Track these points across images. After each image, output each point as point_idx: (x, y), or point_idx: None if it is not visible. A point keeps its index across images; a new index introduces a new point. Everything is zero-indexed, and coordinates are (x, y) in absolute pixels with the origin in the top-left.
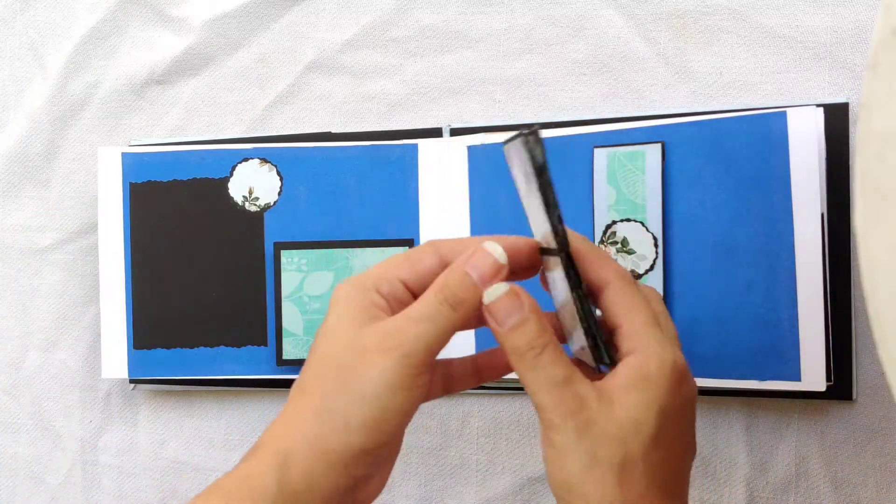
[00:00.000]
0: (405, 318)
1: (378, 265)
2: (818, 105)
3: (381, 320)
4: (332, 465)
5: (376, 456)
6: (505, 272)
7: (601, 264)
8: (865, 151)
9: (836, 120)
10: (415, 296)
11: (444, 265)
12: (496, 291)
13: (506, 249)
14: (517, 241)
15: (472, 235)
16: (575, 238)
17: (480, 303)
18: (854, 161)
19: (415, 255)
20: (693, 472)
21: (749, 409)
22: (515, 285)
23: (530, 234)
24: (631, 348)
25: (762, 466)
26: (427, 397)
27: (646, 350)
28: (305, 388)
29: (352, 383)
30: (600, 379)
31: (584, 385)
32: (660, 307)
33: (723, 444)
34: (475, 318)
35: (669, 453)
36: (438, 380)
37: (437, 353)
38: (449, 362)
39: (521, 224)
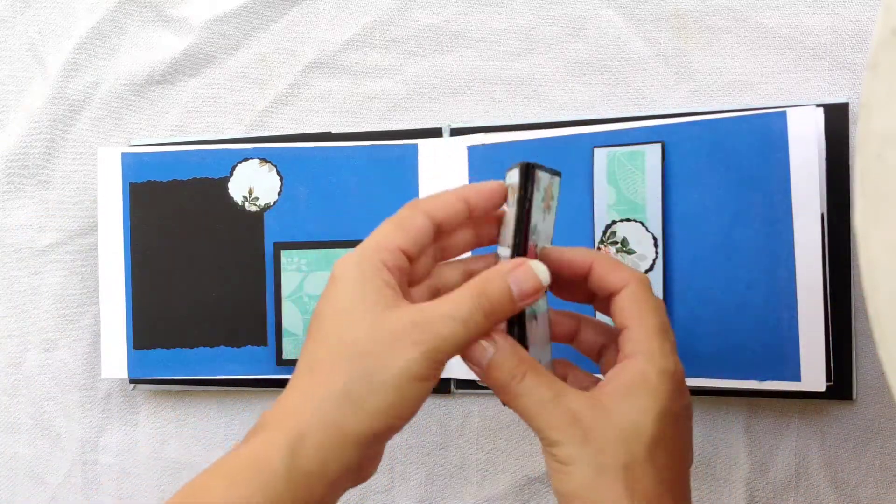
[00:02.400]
0: (437, 313)
1: (372, 237)
2: (818, 105)
3: (400, 305)
4: (345, 447)
5: (388, 438)
6: (543, 292)
7: (621, 268)
8: (865, 151)
9: (836, 120)
10: (410, 259)
11: (434, 225)
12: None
13: (478, 193)
14: (484, 187)
15: None
16: (596, 253)
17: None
18: (854, 161)
19: (405, 221)
20: (693, 472)
21: (749, 409)
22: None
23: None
24: (635, 352)
25: (762, 466)
26: None
27: (650, 356)
28: (316, 368)
29: (375, 371)
30: (595, 385)
31: (574, 398)
32: (666, 317)
33: (723, 444)
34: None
35: (672, 457)
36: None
37: (459, 352)
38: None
39: None
